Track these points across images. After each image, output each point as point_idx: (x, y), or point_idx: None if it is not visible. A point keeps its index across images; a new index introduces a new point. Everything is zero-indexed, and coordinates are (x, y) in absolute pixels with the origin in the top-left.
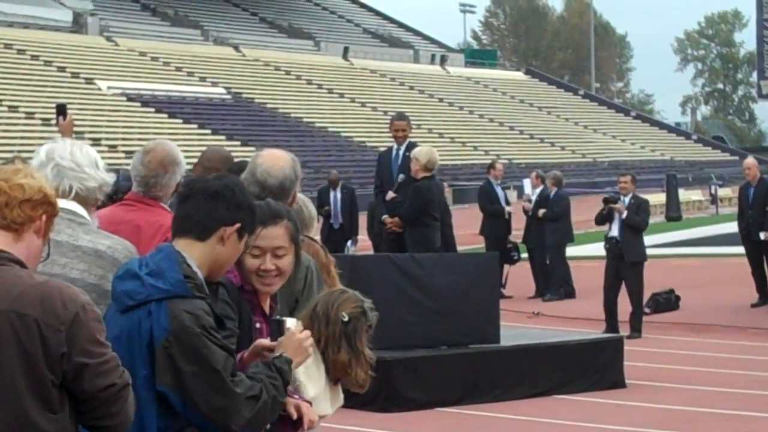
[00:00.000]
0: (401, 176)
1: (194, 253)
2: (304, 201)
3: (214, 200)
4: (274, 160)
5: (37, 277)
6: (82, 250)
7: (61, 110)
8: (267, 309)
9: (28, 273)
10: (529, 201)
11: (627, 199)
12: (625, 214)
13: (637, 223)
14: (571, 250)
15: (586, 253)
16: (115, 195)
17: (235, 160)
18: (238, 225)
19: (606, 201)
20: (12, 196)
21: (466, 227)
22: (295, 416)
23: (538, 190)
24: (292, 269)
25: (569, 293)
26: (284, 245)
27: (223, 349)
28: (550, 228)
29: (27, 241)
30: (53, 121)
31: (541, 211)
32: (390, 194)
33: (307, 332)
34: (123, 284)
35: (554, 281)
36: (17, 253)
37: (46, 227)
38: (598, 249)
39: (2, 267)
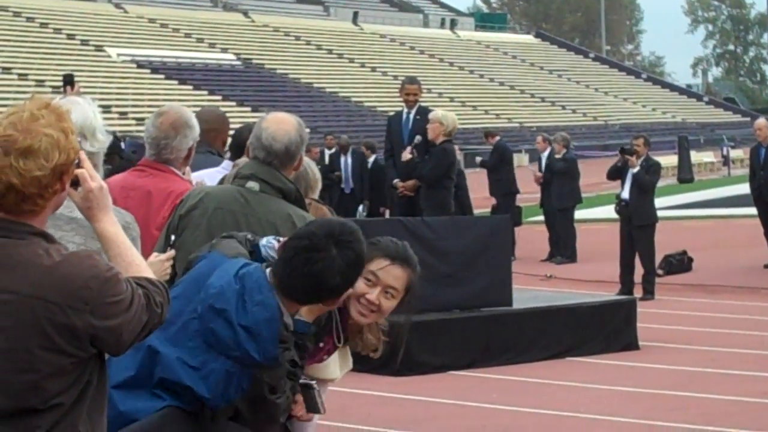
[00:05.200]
0: (418, 138)
1: (293, 308)
2: (309, 164)
3: (327, 287)
4: (279, 124)
5: (55, 255)
6: (78, 223)
7: (69, 80)
8: (339, 332)
9: (47, 250)
10: (540, 170)
11: (639, 162)
12: (637, 168)
13: (645, 182)
14: (582, 213)
15: (598, 216)
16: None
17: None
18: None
19: (622, 151)
20: (27, 178)
21: (477, 191)
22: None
23: (546, 154)
24: (385, 315)
25: (570, 256)
26: (398, 289)
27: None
28: (557, 190)
29: (51, 204)
30: (62, 90)
31: (538, 175)
32: (406, 154)
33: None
34: (215, 321)
35: (563, 244)
36: (39, 223)
37: (70, 174)
38: (610, 211)
39: (20, 243)
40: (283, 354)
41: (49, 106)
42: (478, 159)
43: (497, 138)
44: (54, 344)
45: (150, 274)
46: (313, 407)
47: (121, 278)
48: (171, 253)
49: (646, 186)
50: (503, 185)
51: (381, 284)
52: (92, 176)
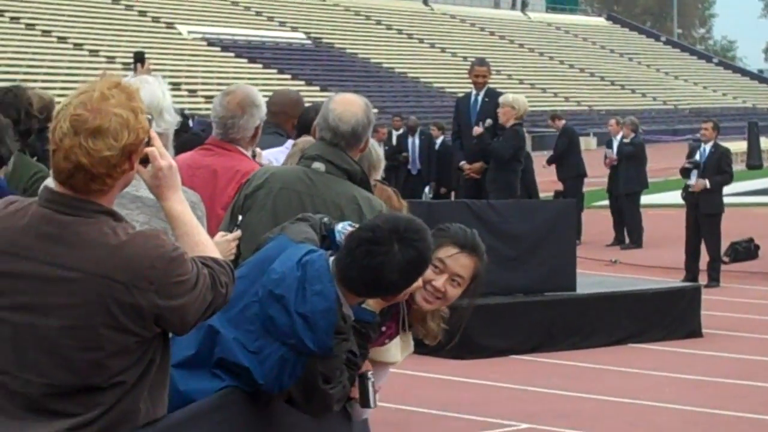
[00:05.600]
0: (489, 121)
1: (353, 300)
2: (372, 144)
3: (385, 283)
4: (347, 106)
5: (122, 234)
6: (143, 201)
7: (139, 58)
8: (404, 316)
9: (114, 229)
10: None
11: (708, 147)
12: (706, 184)
13: (720, 184)
14: (649, 198)
15: (665, 201)
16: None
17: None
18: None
19: (683, 173)
20: (96, 158)
21: (543, 174)
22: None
23: (618, 137)
24: (450, 302)
25: (637, 241)
26: (465, 277)
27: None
28: (624, 175)
29: (120, 183)
30: (132, 67)
31: (612, 157)
32: (478, 129)
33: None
34: (273, 307)
35: (630, 229)
36: (107, 202)
37: (139, 153)
38: (677, 197)
39: (88, 221)
40: (339, 345)
41: (119, 86)
42: (544, 163)
43: (563, 122)
44: (119, 323)
45: (216, 253)
46: (365, 401)
47: (187, 258)
48: (237, 233)
49: (723, 185)
50: (571, 169)
51: (448, 271)
52: (162, 154)
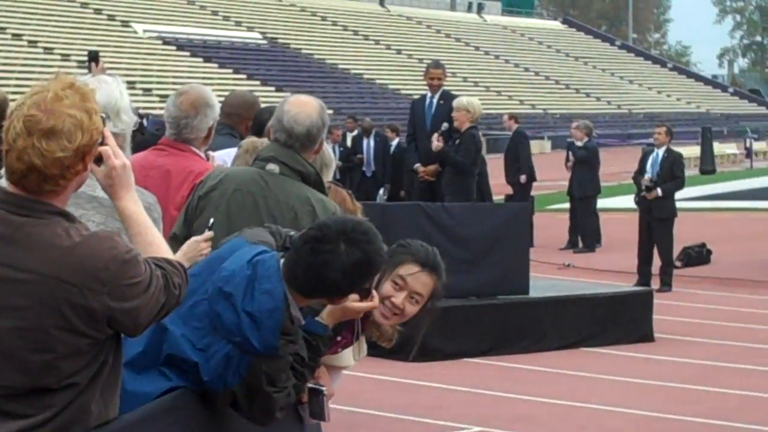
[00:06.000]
0: (445, 125)
1: (302, 302)
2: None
3: (329, 282)
4: (301, 107)
5: (75, 236)
6: (99, 201)
7: (93, 57)
8: (358, 328)
9: (66, 230)
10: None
11: (661, 152)
12: (659, 192)
13: (672, 189)
14: (602, 202)
15: (618, 205)
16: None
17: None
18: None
19: (636, 180)
20: (50, 159)
21: (496, 177)
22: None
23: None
24: (407, 319)
25: (590, 246)
26: (424, 295)
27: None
28: (579, 179)
29: (73, 184)
30: (87, 66)
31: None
32: (437, 143)
33: (208, 234)
34: (221, 304)
35: (583, 233)
36: (60, 202)
37: (93, 154)
38: (630, 201)
39: (40, 222)
40: (285, 346)
41: (73, 86)
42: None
43: (516, 125)
44: (71, 325)
45: (169, 254)
46: (318, 414)
47: (140, 260)
48: (209, 234)
49: (675, 191)
50: (520, 173)
51: (408, 289)
52: (116, 153)
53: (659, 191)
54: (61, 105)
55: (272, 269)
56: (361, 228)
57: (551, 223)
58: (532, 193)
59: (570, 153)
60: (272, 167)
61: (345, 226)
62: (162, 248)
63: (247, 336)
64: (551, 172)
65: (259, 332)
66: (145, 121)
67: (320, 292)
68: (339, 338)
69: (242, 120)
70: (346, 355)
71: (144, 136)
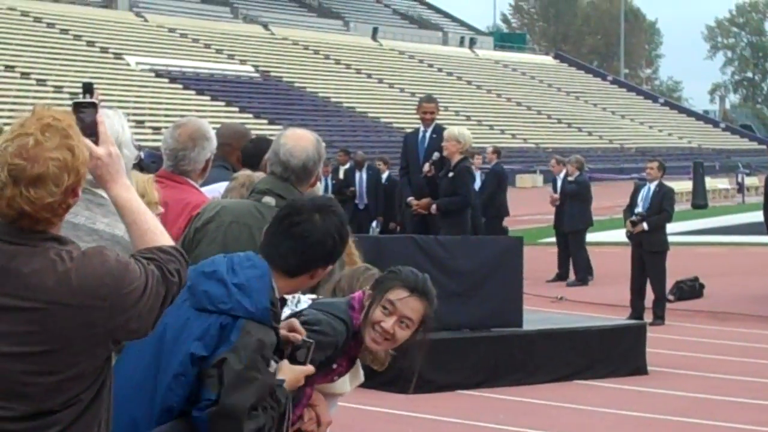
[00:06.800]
0: (436, 154)
1: (280, 283)
2: None
3: (315, 247)
4: (298, 140)
5: (67, 259)
6: (99, 234)
7: (88, 88)
8: (353, 356)
9: (59, 254)
10: (555, 192)
11: (653, 186)
12: (645, 226)
13: (657, 223)
14: (594, 236)
15: (610, 239)
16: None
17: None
18: (331, 267)
19: (626, 215)
20: (39, 205)
21: None
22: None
23: (561, 175)
24: (398, 344)
25: (583, 279)
26: (414, 320)
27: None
28: (570, 213)
29: (67, 212)
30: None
31: (554, 196)
32: (427, 167)
33: (310, 368)
34: (206, 283)
35: (576, 267)
36: (55, 230)
37: (82, 183)
38: (623, 235)
39: (35, 250)
40: (273, 317)
41: (50, 126)
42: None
43: (497, 160)
44: (77, 346)
45: (165, 240)
46: (299, 360)
47: (131, 264)
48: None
49: (662, 224)
50: (494, 208)
51: (397, 314)
52: (103, 141)
53: (645, 225)
54: (43, 150)
55: (250, 253)
56: (329, 201)
57: (541, 256)
58: (524, 226)
59: (555, 187)
60: (268, 200)
61: (314, 201)
62: (157, 233)
63: (238, 300)
64: (543, 205)
65: (250, 298)
66: (142, 154)
67: (306, 262)
68: (335, 366)
69: (233, 150)
70: (342, 383)
71: (142, 171)
